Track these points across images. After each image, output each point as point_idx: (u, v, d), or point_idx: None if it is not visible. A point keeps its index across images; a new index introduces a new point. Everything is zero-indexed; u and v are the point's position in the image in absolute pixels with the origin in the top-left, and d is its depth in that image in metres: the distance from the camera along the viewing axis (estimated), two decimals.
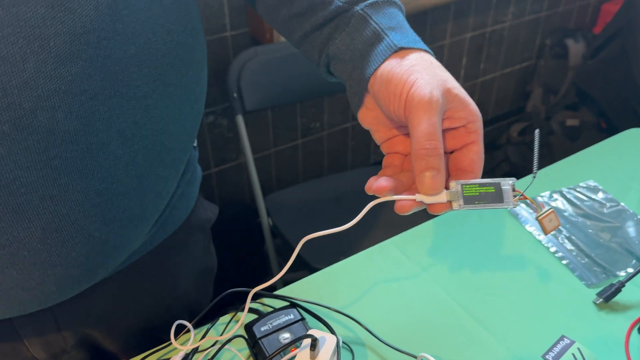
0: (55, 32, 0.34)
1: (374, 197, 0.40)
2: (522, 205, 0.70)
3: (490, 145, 2.09)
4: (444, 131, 0.40)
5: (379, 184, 0.39)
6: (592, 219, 0.68)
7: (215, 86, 1.31)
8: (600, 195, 0.72)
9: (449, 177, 0.41)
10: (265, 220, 1.25)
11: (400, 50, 0.41)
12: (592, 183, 0.74)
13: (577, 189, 0.73)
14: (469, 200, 0.39)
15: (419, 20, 1.59)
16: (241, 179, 1.54)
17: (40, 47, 0.34)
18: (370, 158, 1.77)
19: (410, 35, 0.42)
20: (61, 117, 0.36)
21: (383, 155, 0.45)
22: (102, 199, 0.40)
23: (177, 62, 0.43)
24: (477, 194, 0.39)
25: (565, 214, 0.69)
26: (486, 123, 2.08)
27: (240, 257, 1.55)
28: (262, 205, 1.25)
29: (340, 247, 1.15)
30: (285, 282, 1.41)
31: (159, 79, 0.41)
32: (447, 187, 0.39)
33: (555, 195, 0.72)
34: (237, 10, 1.26)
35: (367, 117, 0.44)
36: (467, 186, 0.39)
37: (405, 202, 0.39)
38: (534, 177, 0.41)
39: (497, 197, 0.39)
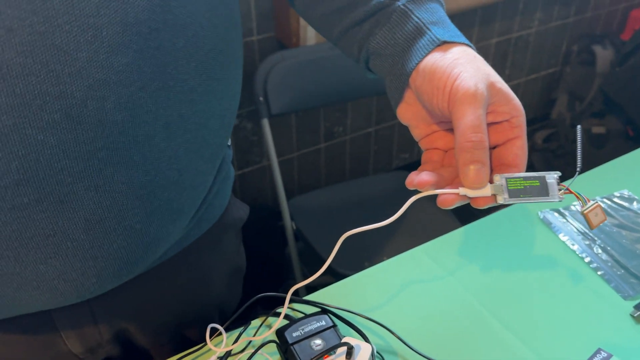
0: (108, 21, 0.34)
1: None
2: (555, 213, 0.69)
3: None
4: (488, 125, 0.39)
5: (420, 178, 0.39)
6: (627, 229, 0.67)
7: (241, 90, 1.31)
8: (635, 205, 0.70)
9: (492, 172, 0.40)
10: (289, 224, 1.24)
11: (442, 44, 0.41)
12: (626, 193, 0.72)
13: (612, 199, 0.71)
14: (514, 193, 0.38)
15: None
16: (264, 182, 1.54)
17: (93, 36, 0.34)
18: (393, 163, 1.76)
19: (452, 30, 0.42)
20: (110, 107, 0.36)
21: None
22: (145, 192, 0.41)
23: (221, 57, 0.43)
24: (522, 187, 0.39)
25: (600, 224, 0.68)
26: None
27: (262, 260, 1.56)
28: (286, 209, 1.25)
29: (364, 253, 1.14)
30: (307, 287, 1.41)
31: (204, 72, 0.41)
32: (490, 181, 0.39)
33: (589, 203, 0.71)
34: (263, 15, 1.27)
35: (407, 112, 0.44)
36: (512, 180, 0.39)
37: (449, 195, 0.39)
38: (578, 171, 0.41)
39: (543, 190, 0.39)
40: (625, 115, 1.83)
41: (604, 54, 1.91)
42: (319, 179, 1.66)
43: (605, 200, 0.71)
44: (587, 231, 0.66)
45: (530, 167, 2.00)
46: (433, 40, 0.41)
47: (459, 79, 0.38)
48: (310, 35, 1.23)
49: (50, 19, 0.32)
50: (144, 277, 0.50)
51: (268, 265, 1.54)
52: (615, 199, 0.71)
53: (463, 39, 0.42)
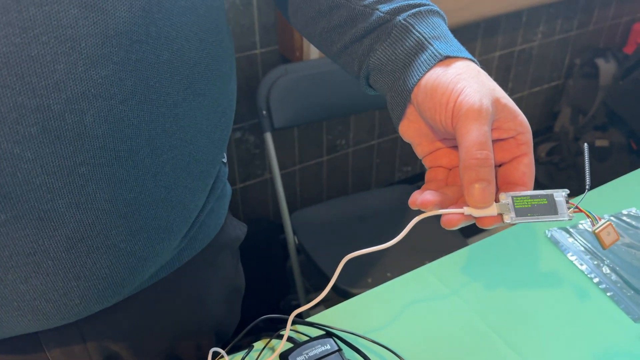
0: (87, 33, 0.33)
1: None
2: (563, 232, 0.68)
3: None
4: (492, 142, 0.38)
5: (424, 198, 0.37)
6: (636, 248, 0.66)
7: (244, 103, 1.31)
8: None
9: (497, 190, 0.38)
10: (291, 238, 1.23)
11: (445, 59, 0.39)
12: (634, 211, 0.71)
13: (620, 217, 0.70)
14: (521, 212, 0.37)
15: None
16: (266, 195, 1.53)
17: (71, 48, 0.33)
18: (395, 176, 1.75)
19: (454, 44, 0.41)
20: (89, 121, 0.35)
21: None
22: (130, 209, 0.39)
23: (207, 72, 0.42)
24: (529, 206, 0.37)
25: None
26: None
27: (264, 273, 1.54)
28: (288, 223, 1.24)
29: (368, 269, 1.13)
30: (309, 302, 1.40)
31: (189, 87, 0.40)
32: (496, 200, 0.37)
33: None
34: (267, 29, 1.26)
35: (409, 129, 0.43)
36: (519, 198, 0.37)
37: (453, 215, 0.37)
38: (588, 189, 0.40)
39: (551, 209, 0.38)
40: (628, 128, 1.82)
41: (606, 67, 1.91)
42: (321, 192, 1.65)
43: (613, 218, 0.70)
44: (595, 250, 0.65)
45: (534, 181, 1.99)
46: (435, 55, 0.39)
47: (463, 94, 0.37)
48: (313, 49, 1.22)
49: (26, 30, 0.31)
50: (136, 299, 0.48)
51: (269, 279, 1.53)
52: (624, 217, 0.70)
53: (466, 53, 0.41)
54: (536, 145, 2.05)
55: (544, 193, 0.38)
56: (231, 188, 0.61)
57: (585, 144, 0.43)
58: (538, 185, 2.00)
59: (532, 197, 0.38)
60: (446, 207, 0.38)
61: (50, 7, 0.32)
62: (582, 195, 0.41)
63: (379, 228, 1.25)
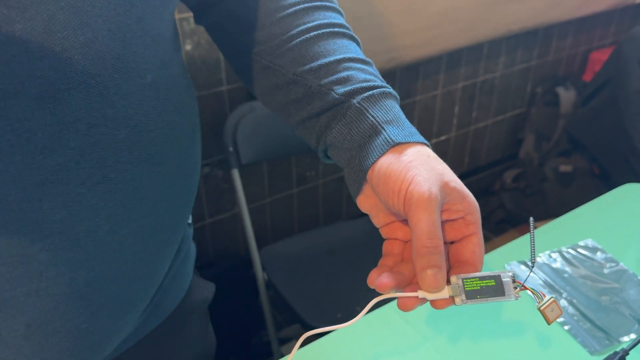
0: (42, 124, 0.33)
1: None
2: (522, 266, 0.69)
3: (484, 192, 2.09)
4: (443, 223, 0.40)
5: (381, 282, 0.39)
6: (592, 280, 0.68)
7: (212, 139, 1.31)
8: (599, 255, 0.71)
9: (450, 269, 0.40)
10: (261, 275, 1.23)
11: (397, 145, 0.41)
12: (590, 242, 0.73)
13: (577, 249, 0.72)
14: (470, 294, 0.39)
15: (412, 72, 1.62)
16: (236, 230, 1.52)
17: (27, 140, 0.33)
18: None
19: (406, 128, 0.43)
20: (47, 207, 0.35)
21: None
22: (90, 289, 0.39)
23: (165, 142, 0.42)
24: (479, 287, 0.39)
25: (565, 275, 0.68)
26: (479, 169, 2.10)
27: (235, 310, 1.53)
28: (257, 260, 1.23)
29: (336, 304, 1.13)
30: (280, 339, 1.39)
31: (148, 159, 0.40)
32: (448, 282, 0.39)
33: (554, 255, 0.71)
34: None
35: (366, 203, 0.44)
36: (468, 280, 0.39)
37: (408, 299, 0.39)
38: (532, 267, 0.42)
39: (499, 290, 0.39)
40: (590, 154, 1.88)
41: (566, 96, 1.97)
42: (292, 224, 1.65)
43: (570, 250, 0.72)
44: (553, 284, 0.67)
45: (501, 207, 2.02)
46: (387, 141, 0.41)
47: (413, 183, 0.38)
48: None
49: None
50: None
51: (241, 315, 1.51)
52: (580, 249, 0.72)
53: (418, 137, 0.42)
54: (502, 171, 2.09)
55: (492, 274, 0.40)
56: (199, 223, 0.59)
57: (531, 218, 0.45)
58: (505, 211, 2.03)
59: (480, 278, 0.40)
60: (402, 287, 0.40)
61: (6, 102, 0.32)
62: (527, 276, 0.44)
63: (348, 262, 1.25)
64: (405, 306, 0.39)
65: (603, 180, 1.89)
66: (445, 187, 0.39)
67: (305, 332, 0.58)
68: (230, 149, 1.18)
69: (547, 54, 1.98)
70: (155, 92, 0.40)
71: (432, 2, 1.46)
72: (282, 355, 0.60)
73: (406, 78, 1.62)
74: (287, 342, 1.40)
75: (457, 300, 0.39)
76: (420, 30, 1.48)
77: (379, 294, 0.40)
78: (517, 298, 0.40)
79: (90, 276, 0.39)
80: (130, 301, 0.44)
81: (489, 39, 1.66)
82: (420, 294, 0.39)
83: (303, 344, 0.60)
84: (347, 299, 1.11)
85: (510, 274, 0.40)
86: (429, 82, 1.68)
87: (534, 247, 0.42)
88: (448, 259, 0.41)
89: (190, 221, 0.56)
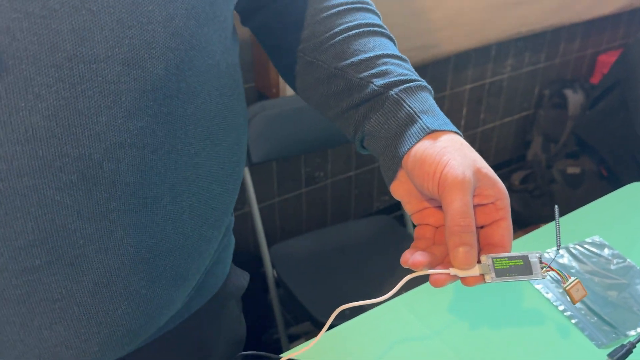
0: (127, 88, 0.36)
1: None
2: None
3: None
4: (474, 207, 0.42)
5: (414, 259, 0.41)
6: (599, 275, 0.69)
7: None
8: (606, 252, 0.72)
9: (480, 251, 0.42)
10: (270, 272, 1.24)
11: (432, 132, 0.43)
12: (597, 239, 0.74)
13: (584, 245, 0.73)
14: (500, 273, 0.41)
15: (419, 73, 1.63)
16: (245, 229, 1.54)
17: (113, 102, 0.35)
18: (373, 206, 1.78)
19: (440, 118, 0.45)
20: (124, 169, 0.37)
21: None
22: (151, 255, 0.41)
23: (224, 124, 0.45)
24: (507, 267, 0.41)
25: (572, 270, 0.69)
26: None
27: (245, 307, 1.54)
28: (267, 257, 1.25)
29: (343, 302, 1.14)
30: (290, 336, 1.40)
31: (208, 137, 0.43)
32: (478, 261, 0.41)
33: (562, 251, 0.72)
34: (243, 66, 1.30)
35: (399, 189, 0.46)
36: (498, 260, 0.41)
37: (440, 276, 0.41)
38: (558, 250, 0.43)
39: (526, 269, 0.42)
40: (598, 156, 1.88)
41: (574, 98, 1.98)
42: (300, 223, 1.67)
43: (577, 246, 0.73)
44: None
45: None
46: (423, 128, 0.44)
47: (448, 166, 0.41)
48: None
49: (75, 86, 0.34)
50: (144, 352, 0.49)
51: (252, 313, 1.53)
52: (587, 246, 0.73)
53: (451, 126, 0.45)
54: (510, 173, 2.10)
55: (520, 255, 0.42)
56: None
57: (556, 207, 0.47)
58: (513, 212, 2.03)
59: (509, 258, 0.42)
60: (434, 267, 0.42)
61: (98, 65, 0.34)
62: (553, 257, 0.47)
63: (358, 260, 1.27)
64: (438, 282, 0.41)
65: (611, 183, 1.89)
66: (477, 172, 0.41)
67: (315, 329, 0.59)
68: None
69: (555, 56, 1.99)
70: (218, 74, 0.43)
71: (440, 4, 1.47)
72: None
73: None
74: (296, 339, 1.41)
75: (487, 277, 0.41)
76: (428, 32, 1.49)
77: (385, 290, 0.42)
78: (543, 277, 0.42)
79: (153, 242, 0.41)
80: (184, 275, 0.46)
81: (497, 41, 1.67)
82: (452, 271, 0.41)
83: (308, 328, 0.61)
84: (355, 297, 1.13)
85: (538, 254, 0.42)
86: (436, 84, 1.70)
87: (559, 231, 0.44)
88: (478, 242, 0.43)
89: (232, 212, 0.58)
